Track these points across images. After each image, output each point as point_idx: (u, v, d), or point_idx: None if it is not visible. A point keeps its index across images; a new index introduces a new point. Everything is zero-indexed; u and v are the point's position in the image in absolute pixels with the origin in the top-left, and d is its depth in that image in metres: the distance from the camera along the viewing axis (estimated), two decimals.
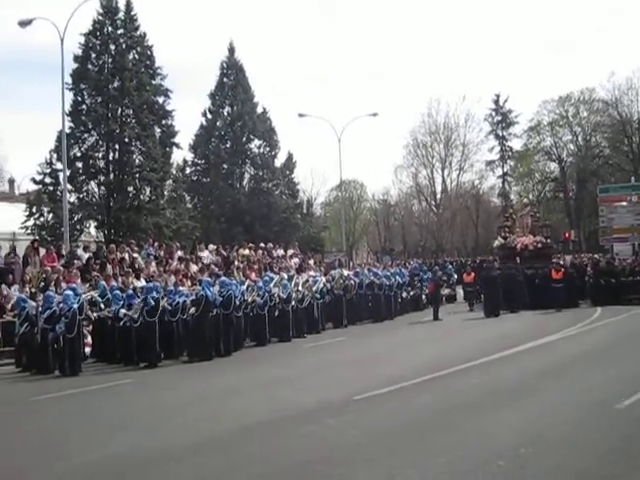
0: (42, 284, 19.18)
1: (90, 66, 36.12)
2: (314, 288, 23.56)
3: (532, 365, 14.18)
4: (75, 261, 21.78)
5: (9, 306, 18.91)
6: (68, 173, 31.29)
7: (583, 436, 8.48)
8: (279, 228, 46.27)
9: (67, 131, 31.14)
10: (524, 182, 70.41)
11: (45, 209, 34.13)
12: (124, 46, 36.69)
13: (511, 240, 31.67)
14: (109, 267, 21.44)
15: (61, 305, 16.19)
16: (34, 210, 34.00)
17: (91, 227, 35.85)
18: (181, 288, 19.07)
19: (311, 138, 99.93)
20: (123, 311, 17.36)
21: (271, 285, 21.57)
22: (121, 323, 17.40)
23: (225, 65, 48.57)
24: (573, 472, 7.21)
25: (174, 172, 41.98)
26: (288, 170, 49.95)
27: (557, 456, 7.65)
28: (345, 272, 27.50)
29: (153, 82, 37.71)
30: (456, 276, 36.95)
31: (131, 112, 36.62)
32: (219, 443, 8.88)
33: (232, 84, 48.15)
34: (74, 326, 16.02)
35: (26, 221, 33.58)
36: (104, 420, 10.83)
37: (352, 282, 26.18)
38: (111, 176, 36.27)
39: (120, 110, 36.53)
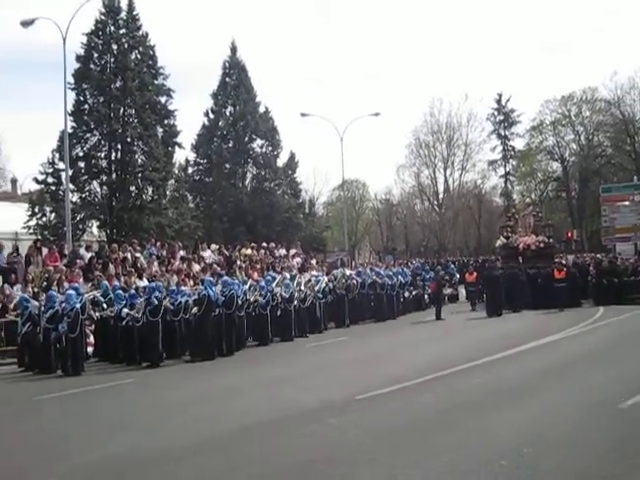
0: (44, 284, 19.21)
1: (92, 66, 36.15)
2: (316, 288, 23.56)
3: (534, 365, 14.16)
4: (77, 261, 21.81)
5: (12, 306, 18.95)
6: (70, 173, 31.36)
7: (585, 436, 8.47)
8: (281, 228, 46.27)
9: (69, 131, 31.21)
10: (526, 182, 70.37)
11: (47, 209, 34.15)
12: (126, 46, 36.69)
13: (513, 240, 31.64)
14: (111, 267, 21.45)
15: (63, 305, 16.21)
16: (36, 210, 34.03)
17: (93, 227, 35.90)
18: (183, 288, 19.08)
19: (313, 138, 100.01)
20: (125, 311, 17.39)
21: (273, 285, 21.57)
22: (123, 323, 17.43)
23: (227, 65, 48.57)
24: (575, 472, 7.20)
25: (176, 172, 41.97)
26: (290, 170, 49.94)
27: (560, 456, 7.64)
28: (347, 272, 27.48)
29: (155, 82, 37.72)
30: (458, 276, 36.97)
31: (133, 112, 36.63)
32: (221, 443, 8.88)
33: (234, 84, 48.14)
34: (76, 326, 16.04)
35: (28, 221, 33.62)
36: (105, 420, 10.84)
37: (354, 282, 26.17)
38: (113, 176, 36.30)
39: (122, 110, 36.57)
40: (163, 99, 38.24)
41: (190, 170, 47.89)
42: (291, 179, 50.02)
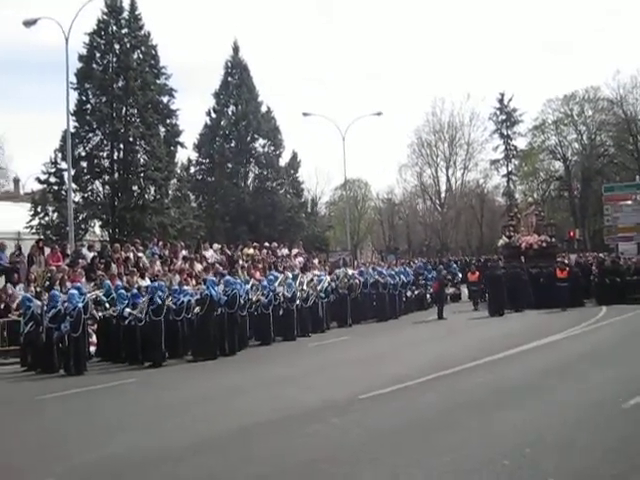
0: (47, 283, 19.23)
1: (95, 65, 36.17)
2: (318, 287, 23.56)
3: (537, 364, 14.15)
4: (80, 260, 21.82)
5: (14, 305, 18.98)
6: (73, 172, 31.36)
7: (588, 436, 8.46)
8: (283, 227, 46.28)
9: (72, 130, 31.21)
10: (529, 181, 70.36)
11: (50, 208, 34.16)
12: (128, 45, 36.71)
13: (516, 239, 31.62)
14: (114, 266, 21.47)
15: (66, 304, 16.23)
16: (39, 209, 34.06)
17: (96, 226, 35.91)
18: (186, 287, 19.07)
19: (315, 137, 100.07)
20: (128, 310, 17.42)
21: (276, 284, 21.59)
22: (126, 322, 17.45)
23: (229, 64, 48.57)
24: (577, 472, 7.19)
25: (178, 171, 42.03)
26: (292, 169, 49.95)
27: (561, 456, 7.64)
28: (349, 271, 27.48)
29: (157, 81, 37.73)
30: (460, 275, 36.97)
31: (135, 111, 36.65)
32: (223, 442, 8.88)
33: (236, 83, 48.16)
34: (79, 325, 16.06)
35: (31, 220, 33.63)
36: (107, 420, 10.85)
37: (356, 281, 26.18)
38: (116, 175, 36.32)
39: (125, 109, 36.60)
40: (165, 99, 38.27)
41: (192, 170, 47.95)
42: (293, 178, 50.03)
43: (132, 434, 9.68)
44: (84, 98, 36.08)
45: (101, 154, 36.54)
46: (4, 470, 8.19)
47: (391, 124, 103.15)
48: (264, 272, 24.63)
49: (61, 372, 16.05)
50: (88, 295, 17.29)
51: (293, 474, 7.54)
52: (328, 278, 25.13)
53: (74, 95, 34.82)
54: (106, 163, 36.60)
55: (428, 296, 31.11)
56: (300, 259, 29.80)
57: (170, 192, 38.92)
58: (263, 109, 48.45)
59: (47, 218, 34.06)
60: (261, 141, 48.49)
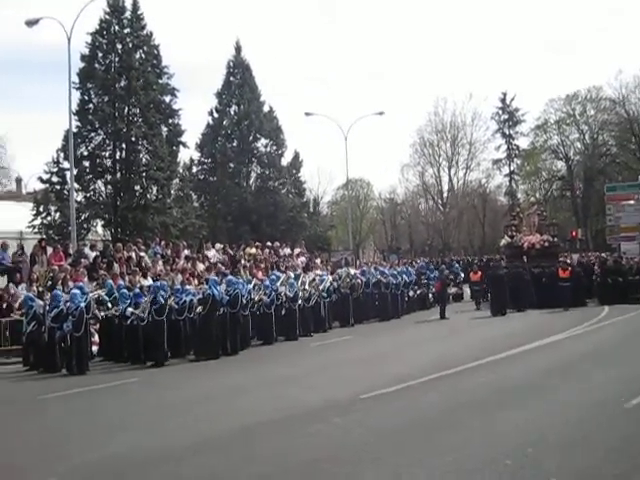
0: (49, 283, 19.25)
1: (97, 65, 36.26)
2: (321, 287, 23.55)
3: (539, 364, 14.14)
4: (82, 260, 21.83)
5: (17, 305, 18.98)
6: (75, 172, 31.35)
7: (590, 435, 8.46)
8: (286, 227, 46.32)
9: (74, 130, 31.26)
10: (531, 181, 70.28)
11: (52, 208, 34.25)
12: (131, 45, 36.79)
13: (518, 239, 31.59)
14: (116, 266, 21.49)
15: (68, 304, 16.24)
16: (41, 209, 34.14)
17: (98, 226, 35.98)
18: (188, 287, 19.08)
19: (317, 137, 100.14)
20: (130, 310, 17.41)
21: (278, 284, 21.59)
22: (128, 322, 17.45)
23: (232, 64, 48.63)
24: (579, 471, 7.19)
25: (181, 171, 42.11)
26: (295, 169, 50.01)
27: (564, 455, 7.64)
28: (352, 271, 27.48)
29: (160, 81, 37.81)
30: (463, 275, 36.90)
31: (138, 111, 36.72)
32: (224, 442, 8.89)
33: (239, 83, 48.21)
34: (81, 325, 16.07)
35: (33, 220, 33.70)
36: (109, 419, 10.86)
37: (359, 281, 26.16)
38: (118, 175, 36.39)
39: (127, 109, 36.66)
40: (167, 98, 38.34)
41: (194, 169, 48.04)
42: (295, 178, 50.08)
43: (134, 434, 9.68)
44: (86, 98, 36.16)
45: (103, 154, 36.62)
46: (6, 469, 8.20)
47: (393, 124, 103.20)
48: (266, 272, 24.64)
49: (63, 372, 16.05)
50: (90, 295, 17.31)
51: (295, 474, 7.54)
52: (330, 278, 25.12)
53: (76, 95, 34.99)
54: (108, 163, 36.68)
55: (430, 296, 31.09)
56: (302, 259, 29.80)
57: (172, 192, 39.01)
58: (265, 109, 48.52)
59: (49, 218, 34.15)
60: (263, 141, 48.58)
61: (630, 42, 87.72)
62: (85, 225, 34.84)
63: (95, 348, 18.20)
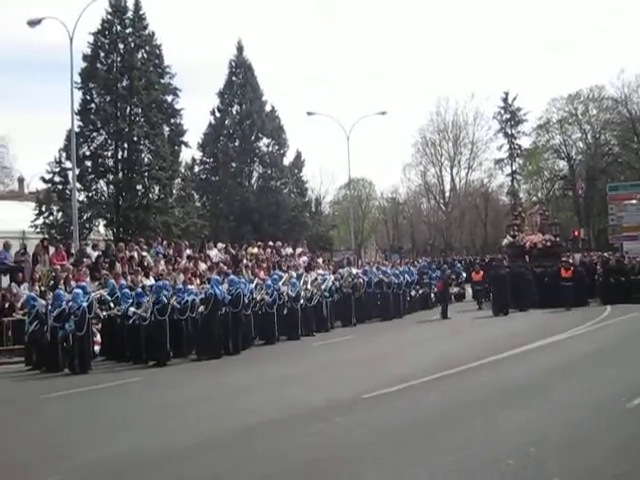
0: (52, 282, 19.26)
1: (99, 65, 36.26)
2: (323, 286, 23.56)
3: (541, 364, 14.13)
4: (84, 259, 21.87)
5: (19, 304, 19.00)
6: (77, 172, 31.43)
7: (592, 435, 8.46)
8: (288, 226, 46.32)
9: (76, 130, 31.25)
10: (533, 180, 70.18)
11: (54, 208, 34.26)
12: (133, 45, 36.79)
13: (520, 238, 31.58)
14: (118, 265, 21.51)
15: (70, 303, 16.25)
16: (43, 209, 34.14)
17: (100, 226, 36.00)
18: (190, 286, 19.10)
19: (319, 137, 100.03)
20: (132, 309, 17.42)
21: (280, 283, 21.59)
22: (130, 321, 17.46)
23: (234, 64, 48.64)
24: (582, 471, 7.19)
25: (183, 171, 42.08)
26: (297, 168, 49.99)
27: (566, 455, 7.63)
28: (354, 270, 27.46)
29: (162, 81, 37.80)
30: (465, 274, 36.87)
31: (140, 111, 36.74)
32: (226, 442, 8.89)
33: (241, 83, 48.22)
34: (83, 324, 16.08)
35: (36, 220, 33.73)
36: (111, 419, 10.87)
37: (361, 280, 26.16)
38: (120, 175, 36.39)
39: (129, 109, 36.67)
40: (169, 98, 38.34)
41: (196, 169, 48.01)
42: (297, 178, 50.06)
43: (136, 433, 9.69)
44: (88, 98, 36.16)
45: (105, 153, 36.63)
46: (8, 469, 8.20)
47: (395, 123, 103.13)
48: (268, 271, 24.66)
49: (65, 371, 16.07)
50: (92, 294, 17.33)
51: (297, 473, 7.54)
52: (332, 277, 25.14)
53: (78, 95, 34.92)
54: (110, 162, 36.68)
55: (432, 295, 31.09)
56: (304, 258, 29.81)
57: (174, 191, 39.02)
58: (267, 108, 48.53)
59: (52, 217, 34.16)
60: (265, 140, 48.58)
61: (631, 42, 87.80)
62: (87, 225, 34.87)
63: (97, 348, 18.22)
